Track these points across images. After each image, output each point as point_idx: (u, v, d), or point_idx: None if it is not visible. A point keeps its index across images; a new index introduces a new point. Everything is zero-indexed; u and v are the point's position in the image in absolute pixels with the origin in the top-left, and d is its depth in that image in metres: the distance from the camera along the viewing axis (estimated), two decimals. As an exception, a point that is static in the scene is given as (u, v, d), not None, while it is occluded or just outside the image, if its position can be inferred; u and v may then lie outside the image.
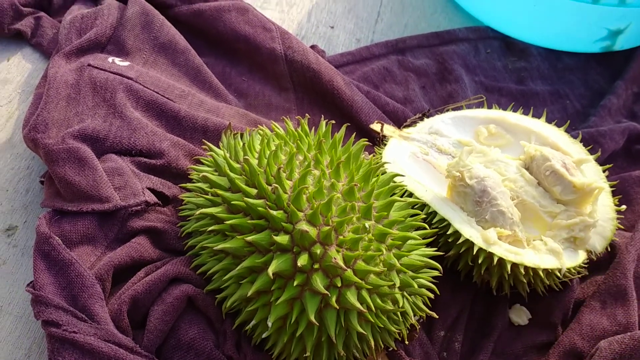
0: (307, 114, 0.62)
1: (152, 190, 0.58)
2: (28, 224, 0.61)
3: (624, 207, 0.60)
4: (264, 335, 0.50)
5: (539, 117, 0.71)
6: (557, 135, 0.63)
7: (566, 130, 0.72)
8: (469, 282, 0.60)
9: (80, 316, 0.49)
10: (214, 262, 0.52)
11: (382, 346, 0.53)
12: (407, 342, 0.52)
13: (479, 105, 0.68)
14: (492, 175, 0.57)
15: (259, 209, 0.49)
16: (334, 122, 0.57)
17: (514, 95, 0.77)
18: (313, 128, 0.59)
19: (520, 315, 0.60)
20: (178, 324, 0.51)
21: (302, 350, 0.49)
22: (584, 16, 0.74)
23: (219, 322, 0.52)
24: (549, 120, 0.73)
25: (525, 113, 0.66)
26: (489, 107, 0.69)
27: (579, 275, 0.58)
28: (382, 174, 0.55)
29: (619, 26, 0.75)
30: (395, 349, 0.53)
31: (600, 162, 0.69)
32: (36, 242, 0.52)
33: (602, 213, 0.59)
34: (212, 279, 0.52)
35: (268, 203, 0.49)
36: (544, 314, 0.60)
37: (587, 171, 0.61)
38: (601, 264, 0.62)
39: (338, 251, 0.48)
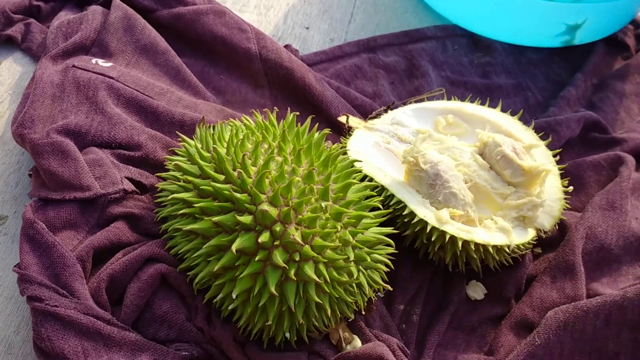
0: (275, 107, 0.66)
1: (131, 180, 0.62)
2: (17, 214, 0.66)
3: (571, 188, 0.64)
4: (230, 307, 0.54)
5: (502, 108, 0.76)
6: (510, 123, 0.67)
7: (527, 120, 0.77)
8: (427, 260, 0.64)
9: (62, 292, 0.53)
10: (185, 243, 0.56)
11: (342, 317, 0.57)
12: (364, 313, 0.57)
13: (441, 97, 0.73)
14: (445, 160, 0.61)
15: (225, 192, 0.53)
16: (298, 113, 0.62)
17: (479, 88, 0.81)
18: (282, 120, 0.63)
19: (476, 291, 0.64)
20: (152, 299, 0.56)
21: (265, 320, 0.53)
22: (543, 12, 0.79)
23: (190, 297, 0.57)
24: (512, 112, 0.77)
25: (491, 105, 0.70)
26: (453, 99, 0.73)
27: (528, 252, 0.62)
28: (346, 161, 0.59)
29: (576, 21, 0.80)
30: (353, 318, 0.57)
31: (557, 148, 0.73)
32: (22, 227, 0.57)
33: (551, 194, 0.63)
34: (184, 258, 0.57)
35: (234, 187, 0.54)
36: (499, 289, 0.64)
37: (538, 156, 0.65)
38: (553, 242, 0.66)
39: (297, 229, 0.52)
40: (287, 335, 0.55)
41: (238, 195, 0.53)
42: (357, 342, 0.58)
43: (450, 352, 0.60)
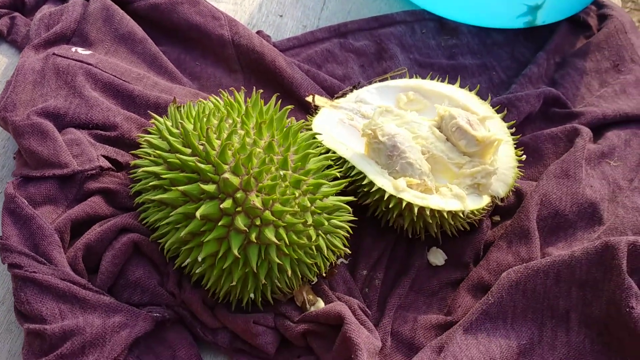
0: (242, 87, 0.70)
1: (107, 158, 0.66)
2: (2, 194, 0.70)
3: (524, 157, 0.68)
4: (198, 271, 0.58)
5: (466, 87, 0.79)
6: (467, 97, 0.70)
7: (492, 99, 0.80)
8: (390, 228, 0.67)
9: (40, 260, 0.57)
10: (156, 213, 0.60)
11: (306, 280, 0.61)
12: (324, 276, 0.60)
13: (404, 76, 0.76)
14: (402, 133, 0.64)
15: (190, 164, 0.57)
16: (262, 91, 0.65)
17: (445, 69, 0.85)
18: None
19: (437, 257, 0.67)
20: (127, 266, 0.60)
21: (230, 282, 0.57)
22: (503, -6, 0.82)
23: (162, 264, 0.61)
24: (477, 91, 0.80)
25: (458, 83, 0.74)
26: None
27: (485, 218, 0.66)
28: (306, 135, 0.63)
29: (536, 2, 0.83)
30: (315, 281, 0.61)
31: (518, 123, 0.77)
32: (4, 202, 0.61)
33: (505, 163, 0.67)
34: (156, 228, 0.61)
35: (199, 159, 0.57)
36: (458, 255, 0.68)
37: (494, 128, 0.68)
38: (512, 210, 0.70)
39: (257, 196, 0.56)
40: (252, 296, 0.58)
41: (202, 166, 0.56)
42: (321, 304, 0.61)
43: (411, 313, 0.64)
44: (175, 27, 0.83)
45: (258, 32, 0.86)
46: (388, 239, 0.68)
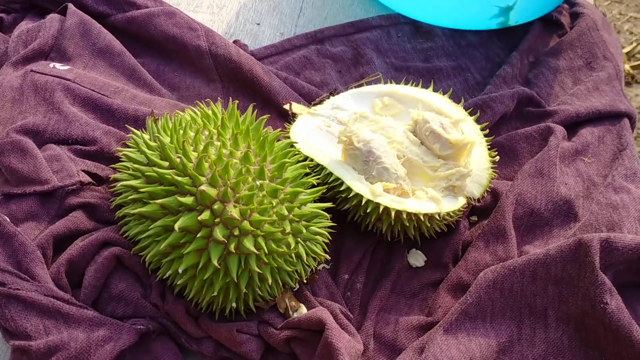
0: (228, 99, 0.71)
1: (87, 172, 0.67)
2: (-14, 211, 0.70)
3: (497, 157, 0.69)
4: (179, 283, 0.59)
5: (441, 89, 0.80)
6: (441, 101, 0.72)
7: (467, 99, 0.81)
8: (370, 232, 0.68)
9: (23, 277, 0.58)
10: (136, 226, 0.61)
11: (288, 287, 0.62)
12: (305, 282, 0.61)
13: (379, 81, 0.77)
14: (377, 138, 0.66)
15: (167, 177, 0.58)
16: (237, 101, 0.66)
17: (421, 72, 0.86)
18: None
19: (416, 258, 0.69)
20: (109, 280, 0.61)
21: (212, 292, 0.58)
22: (475, -4, 0.83)
23: (145, 277, 0.62)
24: (453, 92, 0.82)
25: (433, 88, 0.75)
26: (398, 84, 0.78)
27: (462, 219, 0.67)
28: (283, 144, 0.64)
29: (507, 3, 0.84)
30: (297, 287, 0.62)
31: (492, 123, 0.78)
32: (-14, 220, 0.61)
33: (479, 164, 0.68)
34: (137, 241, 0.61)
35: (176, 172, 0.58)
36: (437, 256, 0.69)
37: (467, 130, 0.69)
38: (488, 210, 0.71)
39: (235, 206, 0.57)
40: (234, 305, 0.59)
41: (179, 178, 0.57)
42: (303, 310, 0.62)
43: (392, 315, 0.65)
44: (153, 39, 0.83)
45: (235, 41, 0.86)
46: (368, 243, 0.69)
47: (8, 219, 0.61)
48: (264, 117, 0.64)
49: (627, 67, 1.69)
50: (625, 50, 1.74)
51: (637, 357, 0.56)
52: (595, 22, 0.89)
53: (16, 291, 0.56)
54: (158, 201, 0.57)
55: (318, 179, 0.64)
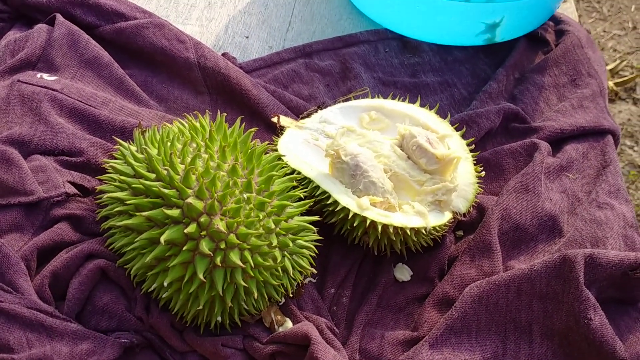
0: (208, 110, 0.71)
1: (73, 184, 0.67)
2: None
3: (483, 173, 0.70)
4: (164, 296, 0.58)
5: (428, 104, 0.81)
6: (427, 116, 0.72)
7: (453, 114, 0.82)
8: (356, 246, 0.68)
9: (7, 289, 0.57)
10: (122, 238, 0.60)
11: (273, 301, 0.61)
12: (291, 296, 0.61)
13: (366, 96, 0.78)
14: (364, 152, 0.66)
15: (154, 189, 0.58)
16: (226, 114, 0.66)
17: (408, 87, 0.87)
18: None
19: (403, 273, 0.69)
20: (94, 292, 0.60)
21: (197, 306, 0.57)
22: (462, 13, 0.84)
23: (130, 289, 0.61)
24: (439, 107, 0.82)
25: (420, 103, 0.75)
26: (385, 99, 0.78)
27: (447, 233, 0.67)
28: (270, 157, 0.64)
29: (494, 20, 0.85)
30: (283, 301, 0.62)
31: (478, 138, 0.79)
32: (-31, 232, 0.61)
33: (465, 179, 0.68)
34: (122, 253, 0.61)
35: (162, 184, 0.58)
36: (424, 270, 0.69)
37: (453, 145, 0.70)
38: (474, 225, 0.71)
39: (222, 219, 0.57)
40: (219, 319, 0.59)
41: (166, 191, 0.57)
42: (289, 324, 0.62)
43: (378, 330, 0.65)
44: (141, 51, 0.83)
45: (224, 54, 0.87)
46: (355, 257, 0.69)
47: (-9, 231, 0.61)
48: (252, 129, 0.64)
49: (611, 84, 1.72)
50: (609, 67, 1.77)
51: (620, 372, 0.56)
52: (580, 39, 0.90)
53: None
54: (144, 213, 0.57)
55: (305, 192, 0.65)
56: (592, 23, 1.94)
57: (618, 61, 1.81)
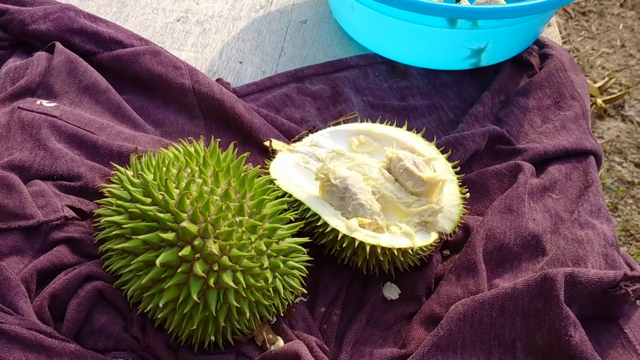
0: (210, 136, 0.73)
1: (72, 208, 0.69)
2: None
3: (468, 195, 0.72)
4: (159, 316, 0.60)
5: (416, 127, 0.84)
6: (414, 140, 0.75)
7: (440, 137, 0.85)
8: (346, 266, 0.71)
9: (7, 310, 0.59)
10: (119, 261, 0.63)
11: (265, 320, 0.63)
12: (282, 315, 0.63)
13: (356, 120, 0.80)
14: (353, 175, 0.68)
15: (150, 213, 0.60)
16: (219, 140, 0.69)
17: (397, 110, 0.89)
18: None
19: (391, 291, 0.71)
20: (91, 313, 0.62)
21: (191, 326, 0.59)
22: (447, 39, 0.87)
23: (126, 310, 0.63)
24: (426, 130, 0.85)
25: (408, 125, 0.78)
26: (375, 122, 0.81)
27: (434, 253, 0.70)
28: (262, 180, 0.67)
29: (479, 45, 0.88)
30: (274, 321, 0.64)
31: (464, 160, 0.81)
32: (-29, 255, 0.63)
33: (450, 201, 0.71)
34: (119, 275, 0.63)
35: (158, 208, 0.61)
36: (411, 289, 0.71)
37: (439, 168, 0.73)
38: (460, 245, 0.74)
39: (215, 242, 0.59)
40: (213, 338, 0.61)
41: (162, 215, 0.60)
42: (280, 342, 0.64)
43: (367, 347, 0.67)
44: (138, 77, 0.86)
45: (218, 80, 0.89)
46: (344, 276, 0.71)
47: (-7, 254, 0.63)
48: (245, 154, 0.67)
49: (599, 101, 1.75)
50: (597, 85, 1.80)
51: (599, 387, 0.58)
52: (563, 63, 0.93)
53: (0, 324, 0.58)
54: (140, 237, 0.59)
55: (296, 214, 0.67)
56: (581, 41, 1.97)
57: (607, 78, 1.84)
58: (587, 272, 0.63)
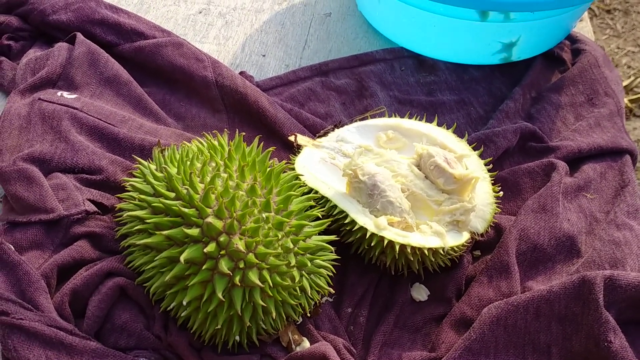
0: (233, 130, 0.71)
1: (93, 202, 0.67)
2: (-11, 238, 0.70)
3: (501, 193, 0.69)
4: (183, 315, 0.58)
5: (445, 123, 0.81)
6: (445, 135, 0.72)
7: (469, 133, 0.82)
8: (373, 265, 0.68)
9: (27, 306, 0.58)
10: (141, 257, 0.61)
11: (291, 320, 0.61)
12: (309, 316, 0.61)
13: (383, 114, 0.78)
14: (382, 172, 0.66)
15: (174, 208, 0.58)
16: (244, 134, 0.67)
17: (424, 105, 0.87)
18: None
19: (420, 293, 0.69)
20: (113, 310, 0.60)
21: (216, 325, 0.58)
22: (478, 33, 0.85)
23: (148, 307, 0.61)
24: (455, 125, 0.83)
25: (432, 120, 0.76)
26: (402, 117, 0.78)
27: (465, 254, 0.67)
28: (288, 176, 0.64)
29: (510, 39, 0.86)
30: (300, 321, 0.62)
31: (496, 158, 0.78)
32: (-10, 249, 0.61)
33: (483, 199, 0.68)
34: (141, 271, 0.61)
35: (182, 203, 0.59)
36: (441, 290, 0.69)
37: (471, 165, 0.70)
38: (492, 245, 0.71)
39: (241, 239, 0.57)
40: (237, 338, 0.59)
41: (186, 210, 0.58)
42: (306, 344, 0.62)
43: (395, 350, 0.65)
44: (160, 69, 0.84)
45: (241, 73, 0.87)
46: (372, 276, 0.69)
47: (12, 248, 0.61)
48: (270, 149, 0.65)
49: (625, 100, 1.71)
50: (623, 84, 1.76)
51: (641, 396, 0.55)
52: (597, 58, 0.90)
53: (19, 321, 0.56)
54: (164, 232, 0.57)
55: (323, 211, 0.65)
56: (606, 40, 1.93)
57: (633, 77, 1.80)
58: (627, 276, 0.60)
